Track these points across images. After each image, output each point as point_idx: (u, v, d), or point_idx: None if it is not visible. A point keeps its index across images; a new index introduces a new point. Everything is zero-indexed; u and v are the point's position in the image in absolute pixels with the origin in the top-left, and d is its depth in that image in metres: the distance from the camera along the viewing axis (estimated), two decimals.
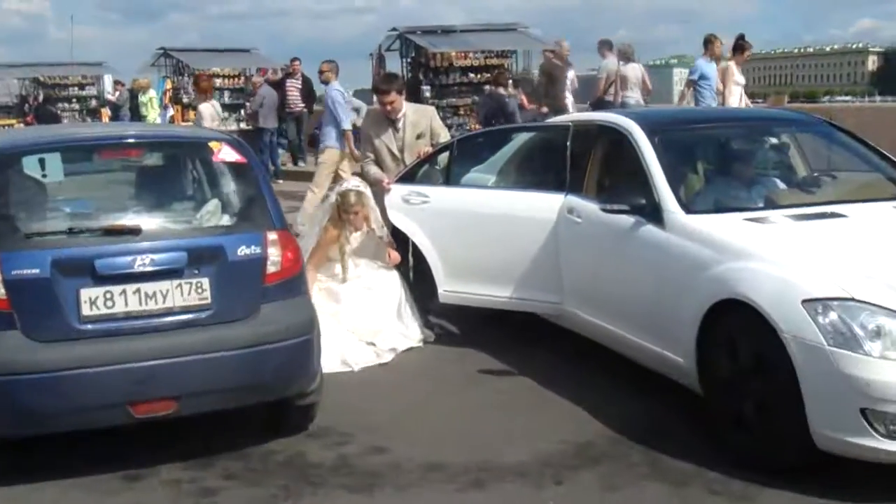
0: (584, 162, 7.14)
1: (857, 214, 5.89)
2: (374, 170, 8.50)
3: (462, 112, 23.93)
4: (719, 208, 6.11)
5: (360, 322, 7.59)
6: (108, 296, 5.08)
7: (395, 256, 8.09)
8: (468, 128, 21.87)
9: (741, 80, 14.23)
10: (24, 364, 4.87)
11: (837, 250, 5.30)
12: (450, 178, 8.06)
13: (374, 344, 7.53)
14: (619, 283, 6.44)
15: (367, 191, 8.13)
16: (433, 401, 6.49)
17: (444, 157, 8.25)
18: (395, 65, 24.40)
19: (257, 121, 21.10)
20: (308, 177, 14.73)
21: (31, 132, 7.78)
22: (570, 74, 16.91)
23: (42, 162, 5.77)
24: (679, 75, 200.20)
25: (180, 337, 5.16)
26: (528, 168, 8.01)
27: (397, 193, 8.07)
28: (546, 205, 7.13)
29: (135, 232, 5.27)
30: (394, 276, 7.95)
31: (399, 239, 8.12)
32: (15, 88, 35.24)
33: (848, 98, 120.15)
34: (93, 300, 5.05)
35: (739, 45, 14.31)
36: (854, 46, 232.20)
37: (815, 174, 7.19)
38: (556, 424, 5.89)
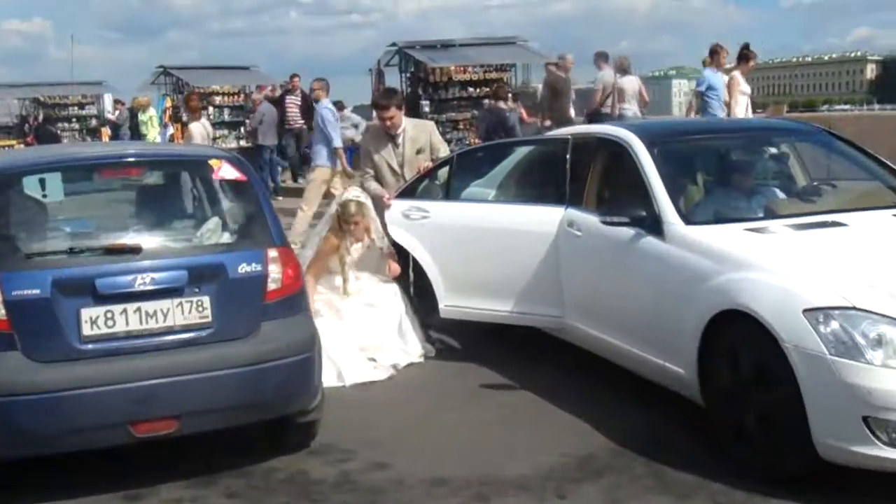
0: (584, 175, 7.14)
1: (858, 223, 5.89)
2: (374, 185, 8.51)
3: (461, 126, 23.99)
4: (719, 219, 6.11)
5: (360, 338, 7.58)
6: (109, 315, 5.07)
7: (396, 269, 8.09)
8: (468, 142, 21.90)
9: (747, 89, 14.24)
10: (25, 385, 4.86)
11: (838, 259, 5.30)
12: (450, 192, 8.06)
13: (374, 360, 7.53)
14: (619, 296, 6.44)
15: (368, 201, 8.13)
16: (435, 416, 6.48)
17: (443, 172, 8.25)
18: (394, 80, 24.48)
19: (257, 138, 21.14)
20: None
21: (31, 152, 7.80)
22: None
23: (42, 182, 5.79)
24: (678, 87, 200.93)
25: (181, 356, 5.15)
26: (527, 182, 8.01)
27: (397, 209, 8.07)
28: (546, 218, 7.13)
29: (135, 251, 5.27)
30: (395, 292, 7.95)
31: (400, 254, 8.13)
32: (15, 108, 35.30)
33: (847, 107, 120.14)
34: (93, 320, 5.04)
35: (744, 55, 14.31)
36: (852, 55, 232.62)
37: (815, 183, 7.19)
38: (558, 438, 5.88)
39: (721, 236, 5.74)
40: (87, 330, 5.02)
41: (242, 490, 5.32)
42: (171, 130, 25.52)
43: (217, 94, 28.29)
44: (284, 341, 5.38)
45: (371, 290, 7.97)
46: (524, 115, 17.22)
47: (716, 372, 5.37)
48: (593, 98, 16.84)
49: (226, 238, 5.64)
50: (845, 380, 4.60)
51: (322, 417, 5.85)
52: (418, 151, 8.67)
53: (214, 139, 25.66)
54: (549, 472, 5.35)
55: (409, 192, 8.24)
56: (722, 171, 7.03)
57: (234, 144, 25.68)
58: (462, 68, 24.39)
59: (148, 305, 5.14)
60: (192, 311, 5.22)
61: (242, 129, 26.63)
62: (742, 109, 13.96)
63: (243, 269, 5.37)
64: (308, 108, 22.11)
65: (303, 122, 21.50)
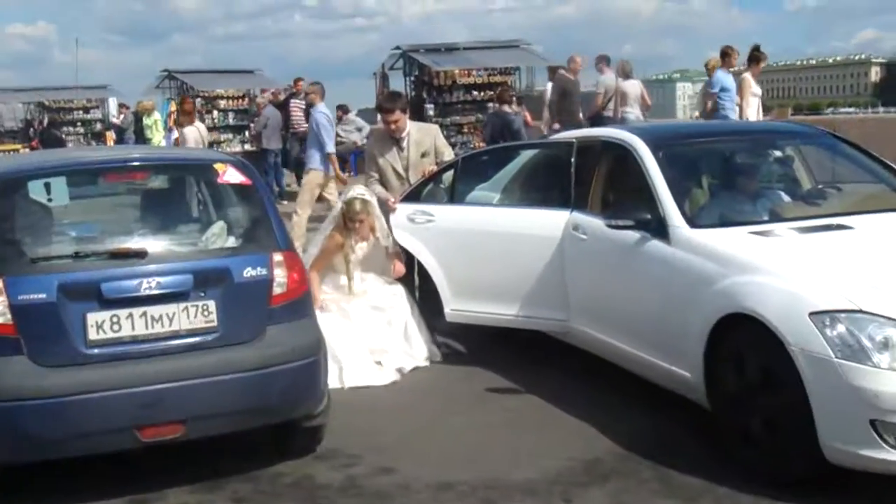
0: (589, 178, 7.13)
1: (863, 226, 5.88)
2: (379, 189, 8.51)
3: (466, 130, 24.00)
4: (724, 222, 6.10)
5: (366, 340, 7.58)
6: (115, 319, 5.08)
7: (401, 269, 8.09)
8: (472, 146, 21.92)
9: (757, 90, 14.25)
10: (31, 389, 4.86)
11: (844, 262, 5.29)
12: (454, 196, 8.06)
13: (380, 363, 7.52)
14: (625, 299, 6.43)
15: (373, 199, 8.13)
16: (441, 420, 6.48)
17: (448, 176, 8.25)
18: (398, 83, 24.52)
19: (261, 142, 21.14)
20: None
21: (36, 156, 7.81)
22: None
23: (47, 186, 5.79)
24: (682, 90, 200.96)
25: (187, 360, 5.15)
26: (532, 185, 8.00)
27: (402, 213, 8.08)
28: (551, 222, 7.13)
29: (140, 255, 5.27)
30: (401, 295, 7.94)
31: (405, 257, 8.13)
32: (20, 113, 35.40)
33: (851, 109, 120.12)
34: (99, 324, 5.05)
35: (755, 56, 14.30)
36: (856, 58, 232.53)
37: (820, 186, 7.18)
38: (564, 442, 5.88)
39: (726, 239, 5.74)
40: (92, 334, 5.03)
41: (249, 495, 5.32)
42: (175, 134, 25.54)
43: (221, 97, 28.30)
44: (290, 345, 5.38)
45: (377, 292, 7.97)
46: (528, 118, 17.24)
47: (722, 375, 5.37)
48: (595, 101, 16.87)
49: (231, 242, 5.64)
50: (852, 383, 4.59)
51: (328, 422, 5.84)
52: (423, 155, 8.67)
53: (217, 143, 25.73)
54: (555, 477, 5.35)
55: (413, 196, 8.24)
56: (727, 174, 7.03)
57: (238, 148, 25.70)
58: (466, 72, 24.41)
59: (154, 310, 5.15)
60: (197, 315, 5.23)
61: (247, 133, 26.63)
62: (753, 111, 13.98)
63: (248, 273, 5.37)
64: None
65: (307, 125, 21.50)
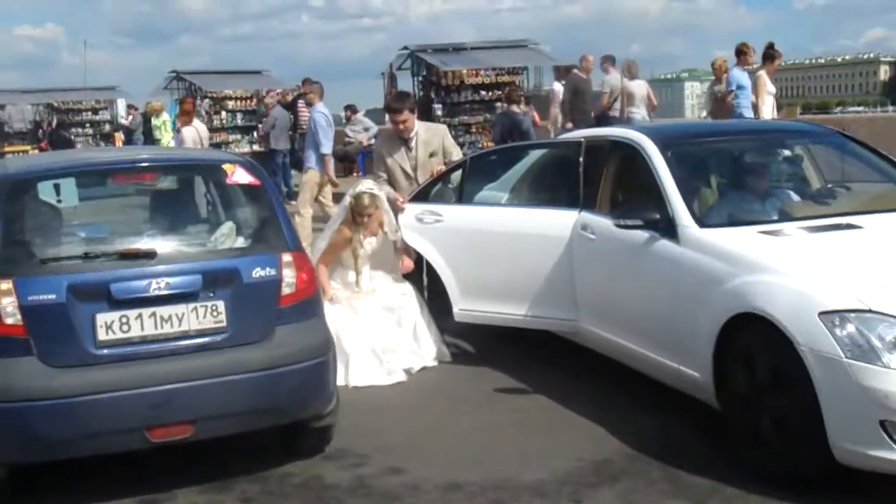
0: (597, 178, 7.13)
1: (873, 225, 5.86)
2: (387, 189, 8.51)
3: (474, 130, 23.97)
4: (733, 222, 6.09)
5: (374, 338, 7.58)
6: (124, 320, 5.09)
7: (409, 264, 8.09)
8: (480, 145, 21.90)
9: (772, 89, 14.22)
10: (41, 390, 4.87)
11: (853, 262, 5.27)
12: (463, 196, 8.07)
13: (388, 362, 7.51)
14: (634, 299, 6.43)
15: (382, 193, 8.13)
16: (450, 420, 6.47)
17: (456, 176, 8.26)
18: (406, 83, 24.51)
19: (269, 142, 21.16)
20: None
21: (45, 158, 7.83)
22: None
23: (57, 187, 5.80)
24: (690, 89, 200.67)
25: (196, 360, 5.16)
26: (541, 185, 8.00)
27: (411, 213, 8.08)
28: (560, 221, 7.12)
29: (150, 256, 5.28)
30: (411, 294, 7.94)
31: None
32: (29, 114, 35.45)
33: (860, 108, 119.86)
34: (109, 325, 5.05)
35: (770, 54, 14.27)
36: (865, 57, 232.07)
37: (829, 185, 7.16)
38: (573, 442, 5.87)
39: (735, 239, 5.73)
40: (102, 335, 5.04)
41: (257, 495, 5.33)
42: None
43: (230, 98, 28.37)
44: (299, 346, 5.39)
45: (386, 290, 7.97)
46: (537, 118, 17.23)
47: (731, 375, 5.35)
48: (600, 101, 16.85)
49: (240, 242, 5.65)
50: (862, 383, 4.58)
51: (337, 422, 5.85)
52: (431, 155, 8.67)
53: (225, 144, 25.76)
54: (564, 477, 5.34)
55: (422, 196, 8.25)
56: (736, 173, 7.02)
57: (246, 149, 25.74)
58: (474, 71, 24.38)
59: (163, 310, 5.15)
60: (206, 315, 5.23)
61: (255, 134, 26.67)
62: (769, 109, 13.96)
63: (257, 273, 5.38)
64: None
65: None
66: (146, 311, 5.12)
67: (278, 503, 5.22)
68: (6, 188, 5.46)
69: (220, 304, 5.26)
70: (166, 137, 22.65)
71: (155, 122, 22.50)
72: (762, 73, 14.10)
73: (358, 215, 7.93)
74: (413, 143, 8.67)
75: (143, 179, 6.44)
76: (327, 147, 13.21)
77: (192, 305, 5.21)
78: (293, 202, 18.59)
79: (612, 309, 6.71)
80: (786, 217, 6.23)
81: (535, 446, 5.86)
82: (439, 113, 23.21)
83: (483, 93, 24.39)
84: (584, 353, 7.18)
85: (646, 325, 6.26)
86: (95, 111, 36.79)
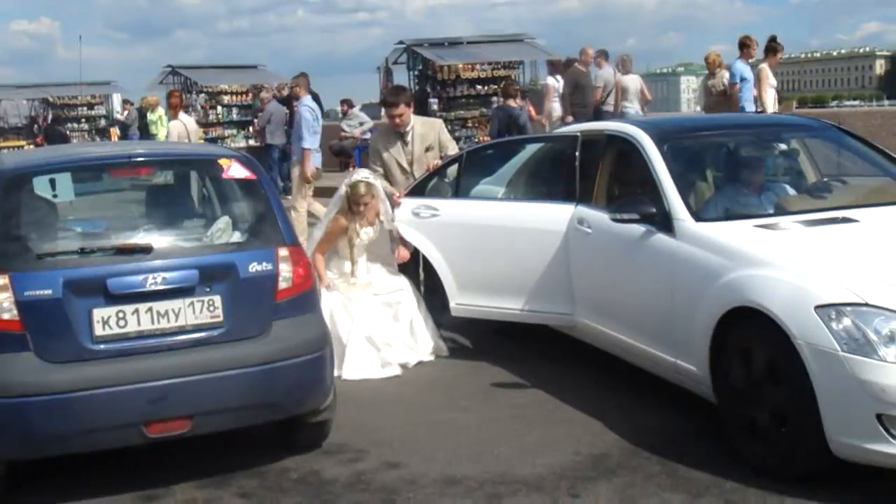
0: (594, 172, 7.13)
1: (869, 219, 5.87)
2: (383, 183, 8.51)
3: (470, 124, 23.98)
4: (729, 215, 6.10)
5: (370, 334, 7.57)
6: (121, 315, 5.08)
7: (405, 254, 8.10)
8: (476, 140, 21.91)
9: (773, 82, 14.24)
10: (38, 385, 4.86)
11: (849, 255, 5.28)
12: (459, 190, 8.07)
13: (384, 353, 7.50)
14: (630, 293, 6.43)
15: (378, 182, 8.12)
16: (447, 415, 6.47)
17: (453, 170, 8.26)
18: (402, 78, 24.52)
19: (265, 137, 21.13)
20: (317, 192, 14.73)
21: (41, 153, 7.80)
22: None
23: (53, 182, 5.78)
24: (686, 83, 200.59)
25: (193, 355, 5.15)
26: (537, 179, 8.01)
27: (407, 207, 8.08)
28: (556, 216, 7.13)
29: (146, 250, 5.27)
30: (407, 289, 7.93)
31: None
32: (24, 109, 35.40)
33: (856, 102, 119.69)
34: (105, 320, 5.05)
35: (772, 47, 14.28)
36: (861, 51, 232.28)
37: (825, 179, 7.17)
38: (571, 436, 5.88)
39: (731, 233, 5.73)
40: (99, 330, 5.03)
41: (255, 490, 5.32)
42: None
43: (225, 93, 28.33)
44: (296, 340, 5.38)
45: (382, 284, 7.96)
46: (533, 112, 17.23)
47: (727, 369, 5.36)
48: (593, 96, 16.85)
49: (236, 237, 5.63)
50: (858, 376, 4.59)
51: (334, 417, 5.85)
52: (427, 149, 8.67)
53: (221, 139, 25.71)
54: (562, 471, 5.35)
55: (418, 191, 8.25)
56: (732, 167, 7.02)
57: (242, 143, 25.71)
58: (470, 66, 24.39)
59: (159, 305, 5.15)
60: (203, 310, 5.23)
61: (251, 128, 26.64)
62: (771, 102, 13.99)
63: (254, 268, 5.37)
64: (318, 108, 22.13)
65: None
66: (143, 306, 5.12)
67: (276, 498, 5.22)
68: (2, 183, 5.45)
69: (217, 299, 5.26)
70: (162, 132, 22.63)
71: (151, 116, 22.47)
72: (764, 66, 14.11)
73: (354, 204, 7.93)
74: (409, 138, 8.67)
75: (139, 174, 6.43)
76: (308, 141, 13.16)
77: (188, 300, 5.20)
78: (289, 197, 18.61)
79: (609, 303, 6.72)
80: (782, 211, 6.24)
81: (533, 440, 5.86)
82: (435, 107, 23.22)
83: (479, 87, 24.41)
84: (581, 347, 7.18)
85: (642, 319, 6.27)
86: (91, 106, 36.68)
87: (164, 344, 5.14)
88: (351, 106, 24.10)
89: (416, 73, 24.60)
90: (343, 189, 8.08)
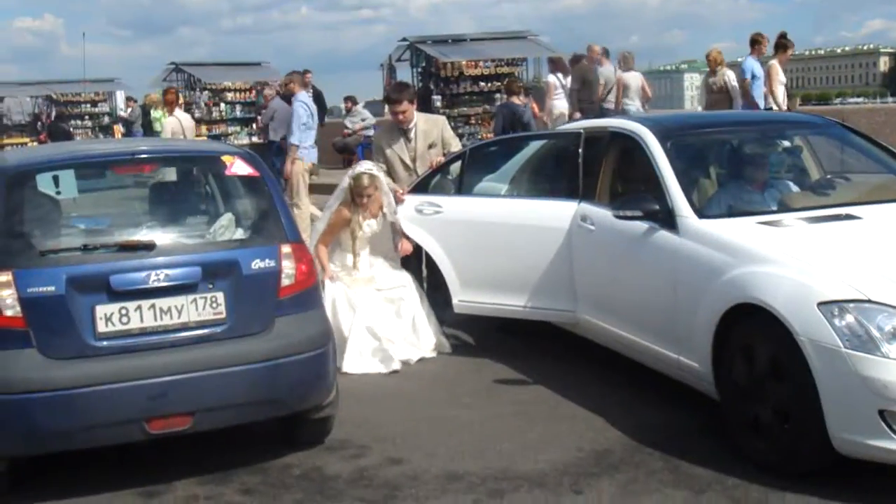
0: (597, 169, 7.12)
1: (872, 216, 5.86)
2: (386, 180, 8.50)
3: (473, 121, 23.98)
4: (733, 212, 6.09)
5: (372, 328, 7.58)
6: (124, 312, 5.09)
7: (408, 247, 8.09)
8: (479, 137, 21.90)
9: (783, 78, 14.26)
10: (41, 382, 4.87)
11: (852, 252, 5.27)
12: (462, 187, 8.07)
13: (385, 347, 7.51)
14: (633, 290, 6.43)
15: (381, 174, 8.12)
16: (449, 411, 6.47)
17: (456, 167, 8.26)
18: (405, 75, 24.56)
19: (268, 134, 21.13)
20: (321, 189, 14.76)
21: (44, 149, 7.81)
22: (569, 81, 16.95)
23: (56, 179, 5.78)
24: (689, 80, 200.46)
25: (196, 352, 5.16)
26: (540, 176, 8.00)
27: (410, 204, 8.08)
28: (559, 213, 7.12)
29: (149, 247, 5.28)
30: (410, 284, 7.94)
31: (412, 250, 8.14)
32: (28, 106, 35.39)
33: (860, 99, 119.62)
34: (108, 316, 5.05)
35: (782, 44, 14.32)
36: (865, 48, 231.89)
37: (829, 176, 7.16)
38: (573, 433, 5.88)
39: (735, 230, 5.72)
40: (101, 327, 5.04)
41: (257, 486, 5.33)
42: None
43: (229, 90, 28.37)
44: (298, 337, 5.39)
45: (385, 279, 7.96)
46: (536, 109, 17.23)
47: (730, 366, 5.36)
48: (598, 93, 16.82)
49: (239, 234, 5.63)
50: (861, 373, 4.58)
51: (336, 413, 5.85)
52: (430, 146, 8.67)
53: (225, 136, 25.70)
54: (564, 467, 5.35)
55: (421, 188, 8.25)
56: (735, 164, 7.00)
57: (245, 140, 25.73)
58: (473, 63, 24.39)
59: (162, 302, 5.16)
60: (206, 307, 5.23)
61: (254, 125, 26.66)
62: (782, 99, 14.00)
63: (257, 265, 5.38)
64: (321, 105, 22.14)
65: None
66: (145, 303, 5.12)
67: (279, 495, 5.22)
68: (5, 180, 5.46)
69: (220, 296, 5.26)
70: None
71: (154, 114, 22.48)
72: (774, 63, 14.14)
73: (357, 196, 7.92)
74: (412, 134, 8.66)
75: (143, 171, 6.44)
76: (296, 137, 13.22)
77: (191, 297, 5.21)
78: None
79: (612, 300, 6.72)
80: (785, 208, 6.23)
81: (535, 437, 5.86)
82: (438, 104, 23.23)
83: (482, 84, 24.42)
84: (584, 343, 7.18)
85: (645, 316, 6.27)
86: (94, 103, 36.76)
87: (167, 341, 5.14)
88: (355, 103, 24.12)
89: (420, 70, 24.60)
90: (346, 181, 8.08)
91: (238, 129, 27.85)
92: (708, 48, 15.71)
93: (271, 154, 19.95)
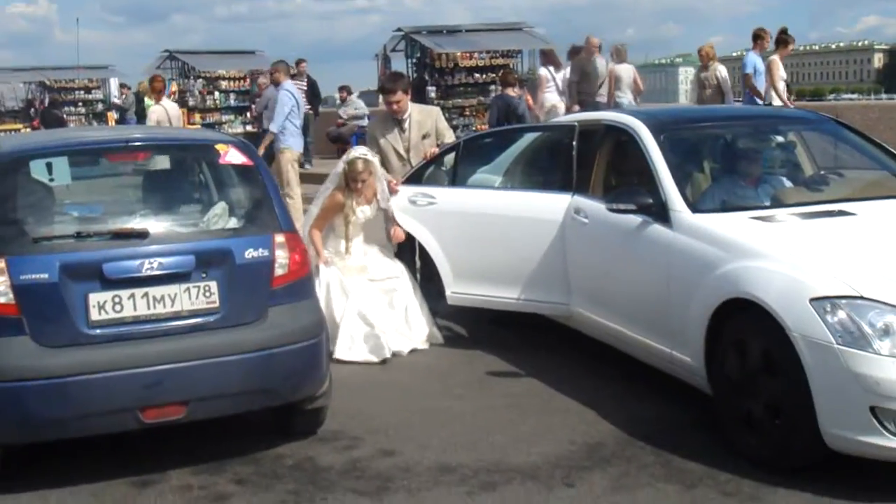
0: (591, 162, 7.13)
1: (865, 212, 5.87)
2: (380, 170, 8.50)
3: (468, 112, 23.95)
4: (726, 207, 6.10)
5: (364, 316, 7.58)
6: (117, 300, 5.08)
7: (400, 234, 8.07)
8: (474, 128, 21.88)
9: (784, 74, 14.29)
10: (34, 370, 4.87)
11: (845, 248, 5.29)
12: (456, 178, 8.07)
13: (377, 333, 7.50)
14: (626, 283, 6.43)
15: (375, 160, 8.12)
16: (442, 403, 6.48)
17: (450, 158, 8.26)
18: (400, 65, 24.50)
19: (262, 123, 21.10)
20: (315, 178, 14.74)
21: (37, 136, 7.78)
22: (561, 75, 16.92)
23: (49, 166, 5.76)
24: (684, 74, 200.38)
25: (189, 341, 5.15)
26: (534, 168, 8.01)
27: (404, 195, 8.07)
28: (553, 205, 7.12)
29: (142, 235, 5.27)
30: (403, 275, 7.93)
31: (405, 241, 8.13)
32: (21, 93, 35.32)
33: (854, 96, 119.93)
34: (101, 304, 5.05)
35: (783, 40, 14.37)
36: (860, 44, 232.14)
37: (822, 172, 7.17)
38: (565, 426, 5.88)
39: (727, 224, 5.73)
40: (94, 315, 5.03)
41: (251, 476, 5.33)
42: None
43: (223, 78, 28.29)
44: (292, 327, 5.38)
45: (377, 269, 7.95)
46: (530, 101, 17.21)
47: (723, 360, 5.36)
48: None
49: (233, 223, 5.62)
50: (852, 369, 4.59)
51: (329, 404, 5.85)
52: (424, 136, 8.67)
53: (218, 124, 25.64)
54: (556, 460, 5.36)
55: (415, 178, 8.25)
56: (729, 159, 7.02)
57: (239, 129, 25.68)
58: (468, 54, 24.36)
59: (155, 290, 5.15)
60: (199, 296, 5.23)
61: (248, 114, 26.61)
62: (783, 94, 14.04)
63: (250, 254, 5.37)
64: (315, 94, 22.11)
65: (309, 107, 21.47)
66: (139, 291, 5.12)
67: (271, 485, 5.22)
68: None
69: (213, 285, 5.25)
70: None
71: (148, 101, 22.45)
72: (775, 58, 14.18)
73: (352, 181, 7.92)
74: (406, 125, 8.66)
75: (136, 159, 6.43)
76: (276, 125, 13.25)
77: (184, 286, 5.20)
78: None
79: (605, 293, 6.72)
80: (778, 203, 6.25)
81: (528, 429, 5.87)
82: (433, 95, 23.20)
83: (477, 75, 24.39)
84: (577, 337, 7.19)
85: (638, 310, 6.27)
86: (88, 90, 36.66)
87: (160, 329, 5.14)
88: (349, 93, 24.10)
89: (415, 60, 24.56)
90: (341, 166, 8.07)
91: (232, 117, 27.78)
92: (704, 42, 15.76)
93: None
